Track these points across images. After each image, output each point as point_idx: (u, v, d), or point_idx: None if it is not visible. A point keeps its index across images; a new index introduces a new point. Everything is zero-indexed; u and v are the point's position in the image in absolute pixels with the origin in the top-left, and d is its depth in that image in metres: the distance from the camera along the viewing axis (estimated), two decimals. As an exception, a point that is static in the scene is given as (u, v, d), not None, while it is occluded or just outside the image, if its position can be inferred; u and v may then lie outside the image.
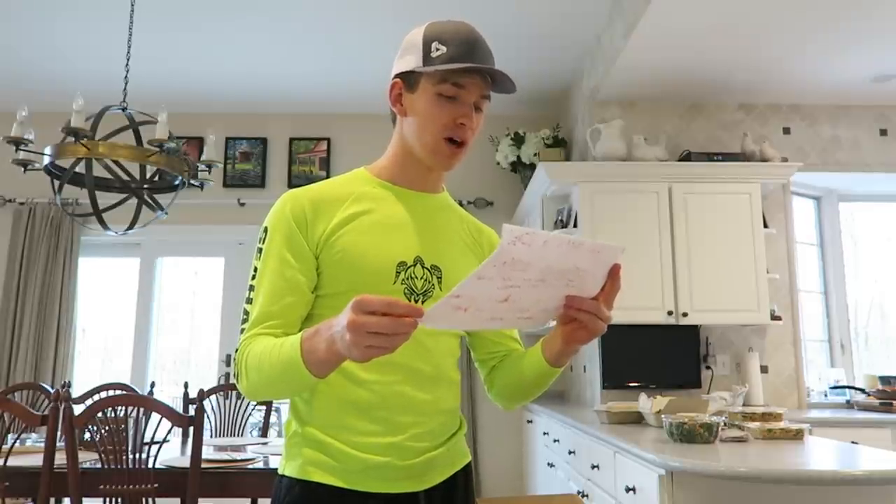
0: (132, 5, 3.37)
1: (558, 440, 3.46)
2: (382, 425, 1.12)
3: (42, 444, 2.90)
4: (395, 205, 1.20)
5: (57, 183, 3.11)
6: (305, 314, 1.15)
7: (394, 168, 1.24)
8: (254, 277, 1.15)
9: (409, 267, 1.16)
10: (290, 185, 4.98)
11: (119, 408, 2.38)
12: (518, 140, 4.65)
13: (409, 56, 1.20)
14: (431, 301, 1.16)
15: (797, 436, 2.27)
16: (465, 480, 1.24)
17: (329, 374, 1.00)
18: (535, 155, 4.48)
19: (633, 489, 2.17)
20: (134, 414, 2.51)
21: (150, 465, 2.33)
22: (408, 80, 1.20)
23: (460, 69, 1.14)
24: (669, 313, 3.64)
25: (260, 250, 1.16)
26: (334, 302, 1.12)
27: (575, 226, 3.78)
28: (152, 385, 3.97)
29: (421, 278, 1.16)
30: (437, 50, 1.16)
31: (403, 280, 1.14)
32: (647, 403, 2.76)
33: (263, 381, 1.06)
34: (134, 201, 3.86)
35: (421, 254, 1.17)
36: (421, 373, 1.15)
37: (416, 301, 1.15)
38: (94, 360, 5.09)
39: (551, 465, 3.65)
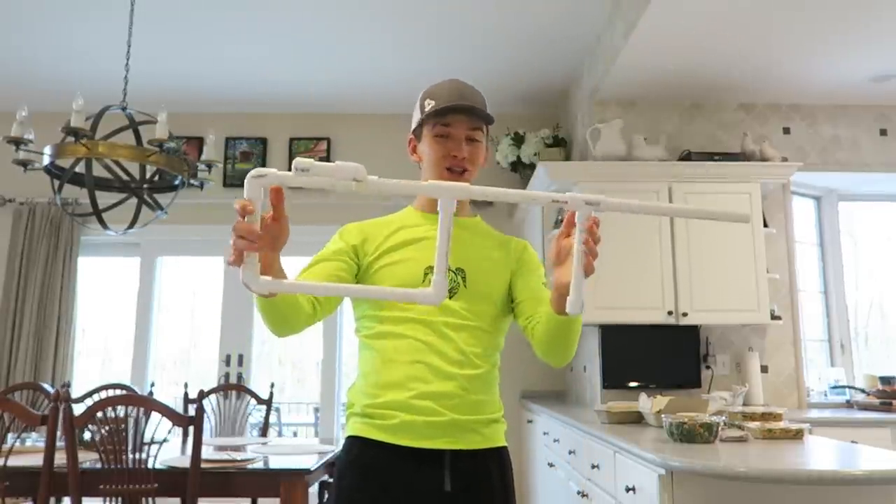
0: (132, 5, 3.37)
1: (558, 440, 3.46)
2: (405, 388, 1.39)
3: (42, 444, 2.90)
4: (429, 226, 1.52)
5: (57, 183, 3.11)
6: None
7: (424, 202, 1.60)
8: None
9: None
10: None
11: (119, 408, 2.38)
12: (518, 140, 4.65)
13: (414, 116, 1.57)
14: (458, 296, 1.45)
15: (797, 436, 2.27)
16: (499, 460, 1.49)
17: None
18: (535, 155, 4.47)
19: (633, 489, 2.17)
20: (134, 414, 2.51)
21: (150, 465, 2.33)
22: (416, 134, 1.57)
23: (442, 112, 1.47)
24: (669, 313, 3.64)
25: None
26: (377, 302, 1.45)
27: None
28: (152, 385, 3.97)
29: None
30: (429, 104, 1.51)
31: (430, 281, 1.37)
32: (647, 403, 2.76)
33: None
34: (134, 201, 3.86)
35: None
36: (444, 355, 1.41)
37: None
38: (94, 360, 5.09)
39: (551, 465, 3.65)
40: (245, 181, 0.89)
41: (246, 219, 0.91)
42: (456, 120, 1.48)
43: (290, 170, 0.88)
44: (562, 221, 1.17)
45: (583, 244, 1.06)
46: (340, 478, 1.43)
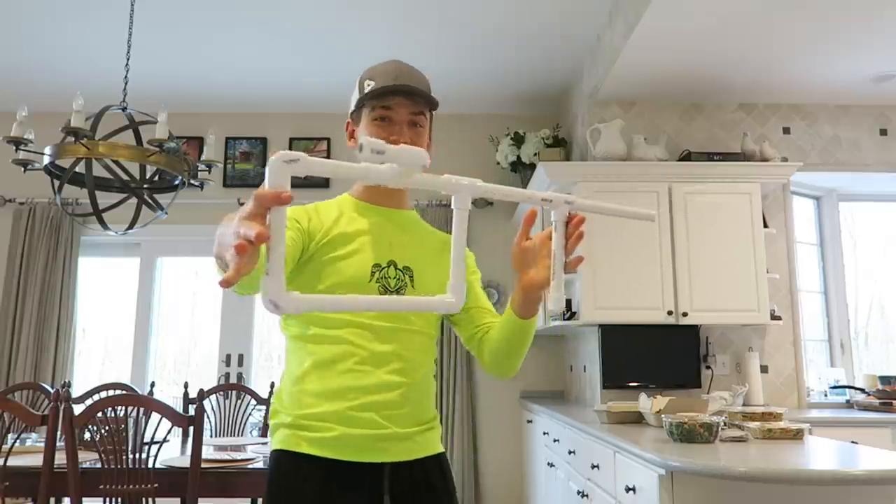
0: (132, 5, 3.37)
1: (558, 440, 3.46)
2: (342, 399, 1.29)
3: (42, 444, 2.90)
4: (372, 219, 1.40)
5: (57, 183, 3.11)
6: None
7: (364, 191, 1.45)
8: None
9: (384, 268, 1.35)
10: (290, 185, 4.97)
11: (119, 408, 2.38)
12: (518, 140, 4.65)
13: (353, 98, 1.43)
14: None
15: (797, 436, 2.27)
16: (440, 468, 1.39)
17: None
18: (535, 155, 4.48)
19: (633, 489, 2.17)
20: (134, 414, 2.51)
21: (150, 465, 2.33)
22: (353, 117, 1.43)
23: (383, 93, 1.34)
24: (669, 313, 3.64)
25: None
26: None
27: (575, 226, 3.78)
28: (152, 385, 3.97)
29: (394, 278, 1.36)
30: (368, 85, 1.38)
31: (378, 279, 1.34)
32: (647, 403, 2.76)
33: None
34: (134, 201, 3.85)
35: (393, 257, 1.37)
36: (387, 362, 1.31)
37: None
38: (94, 360, 5.09)
39: (551, 465, 3.65)
40: (269, 165, 0.69)
41: (269, 217, 0.69)
42: (397, 103, 1.36)
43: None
44: (568, 223, 1.15)
45: (562, 243, 1.08)
46: (272, 497, 1.30)
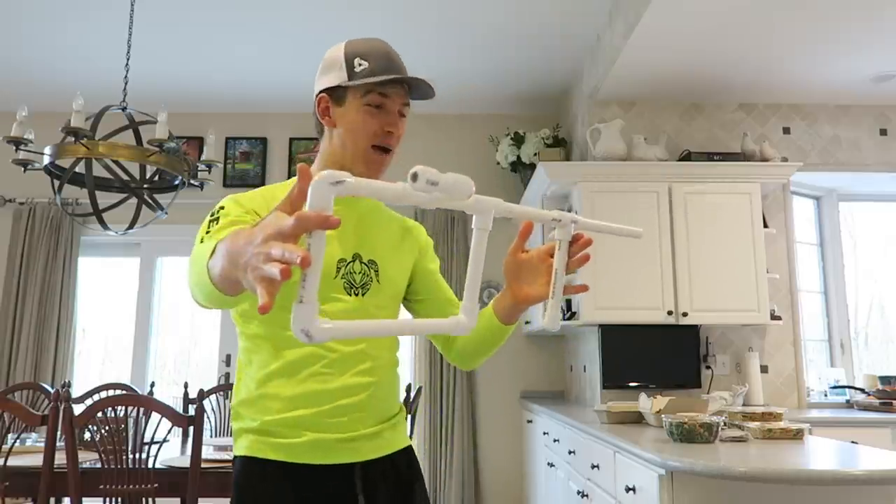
0: (132, 5, 3.37)
1: (558, 440, 3.46)
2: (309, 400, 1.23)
3: (42, 444, 2.90)
4: (335, 208, 1.26)
5: (57, 183, 3.11)
6: None
7: None
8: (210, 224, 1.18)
9: (349, 263, 1.29)
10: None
11: (119, 408, 2.38)
12: (518, 140, 4.65)
13: (332, 73, 1.30)
14: (371, 292, 1.30)
15: (797, 436, 2.27)
16: (408, 462, 1.37)
17: (233, 290, 0.87)
18: (535, 155, 4.48)
19: (633, 489, 2.17)
20: (134, 414, 2.51)
21: (150, 465, 2.33)
22: (334, 94, 1.30)
23: (384, 81, 1.25)
24: (669, 313, 3.64)
25: (216, 218, 1.19)
26: (279, 297, 1.17)
27: (575, 226, 3.78)
28: (152, 385, 3.97)
29: (359, 273, 1.30)
30: (360, 65, 1.27)
31: (343, 275, 1.28)
32: (647, 403, 2.76)
33: (192, 279, 0.99)
34: (134, 201, 3.86)
35: (359, 251, 1.31)
36: (356, 362, 1.27)
37: (356, 294, 1.29)
38: (94, 360, 5.09)
39: (551, 465, 3.65)
40: (313, 186, 0.66)
41: (310, 241, 0.64)
42: (394, 91, 1.29)
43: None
44: (573, 243, 1.14)
45: (565, 262, 1.10)
46: None
